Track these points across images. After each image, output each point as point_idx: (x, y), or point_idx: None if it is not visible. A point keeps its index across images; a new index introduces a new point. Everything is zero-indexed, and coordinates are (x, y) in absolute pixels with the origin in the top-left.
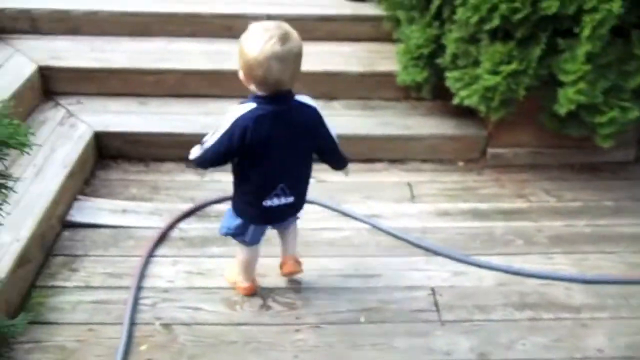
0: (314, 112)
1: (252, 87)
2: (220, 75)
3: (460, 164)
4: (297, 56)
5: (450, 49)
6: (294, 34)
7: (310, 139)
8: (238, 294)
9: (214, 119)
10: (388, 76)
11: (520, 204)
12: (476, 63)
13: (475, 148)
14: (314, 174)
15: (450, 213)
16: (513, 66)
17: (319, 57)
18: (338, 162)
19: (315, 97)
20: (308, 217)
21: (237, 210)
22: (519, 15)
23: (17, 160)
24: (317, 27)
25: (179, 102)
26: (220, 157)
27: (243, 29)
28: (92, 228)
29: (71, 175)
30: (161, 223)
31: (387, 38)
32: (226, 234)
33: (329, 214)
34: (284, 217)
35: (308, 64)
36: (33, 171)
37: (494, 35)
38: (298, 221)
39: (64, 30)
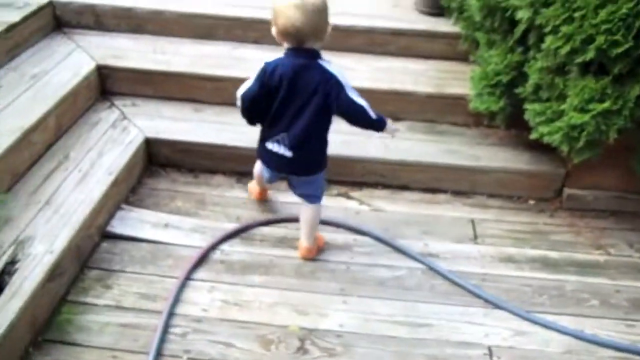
0: (332, 80)
1: (285, 44)
2: None
3: (531, 202)
4: (319, 10)
5: (533, 78)
6: None
7: (322, 103)
8: (273, 333)
9: None
10: (459, 99)
11: (597, 256)
12: (562, 97)
13: (550, 186)
14: (368, 200)
15: (516, 260)
16: (605, 105)
17: (388, 74)
18: (372, 126)
19: None
20: (359, 251)
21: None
22: (618, 50)
23: (62, 164)
24: (388, 41)
25: (235, 112)
26: (250, 102)
27: None
28: (132, 241)
29: (115, 184)
30: (202, 242)
31: (461, 57)
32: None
33: (381, 249)
34: (281, 169)
35: (375, 81)
36: (77, 177)
37: (585, 68)
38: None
39: (127, 27)
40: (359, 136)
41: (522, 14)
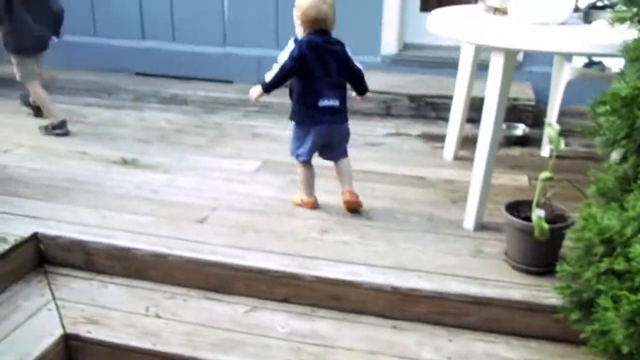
0: (343, 47)
1: (305, 32)
2: None
3: None
4: (333, 4)
5: None
6: None
7: (341, 63)
8: None
9: None
10: None
11: None
12: None
13: None
14: None
15: None
16: None
17: None
18: (360, 88)
19: None
20: None
21: (296, 118)
22: None
23: None
24: (466, 311)
25: None
26: (286, 73)
27: (355, 300)
28: None
29: None
30: None
31: (576, 339)
32: (293, 154)
33: None
34: (330, 118)
35: None
36: None
37: None
38: None
39: (123, 271)
40: None
41: None
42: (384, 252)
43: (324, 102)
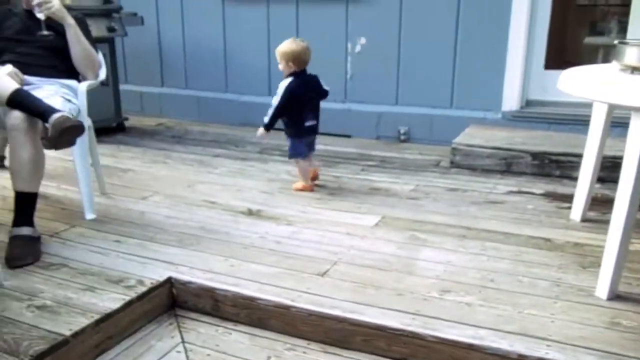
0: (318, 78)
1: (289, 71)
2: None
3: None
4: (310, 50)
5: None
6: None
7: (318, 91)
8: None
9: None
10: None
11: None
12: None
13: None
14: None
15: None
16: None
17: None
18: (324, 97)
19: None
20: None
21: (292, 135)
22: None
23: None
24: None
25: None
26: (281, 111)
27: None
28: None
29: None
30: None
31: None
32: (293, 156)
33: None
34: (312, 133)
35: None
36: None
37: None
38: None
39: (247, 319)
40: None
41: None
42: (509, 316)
43: (308, 123)
